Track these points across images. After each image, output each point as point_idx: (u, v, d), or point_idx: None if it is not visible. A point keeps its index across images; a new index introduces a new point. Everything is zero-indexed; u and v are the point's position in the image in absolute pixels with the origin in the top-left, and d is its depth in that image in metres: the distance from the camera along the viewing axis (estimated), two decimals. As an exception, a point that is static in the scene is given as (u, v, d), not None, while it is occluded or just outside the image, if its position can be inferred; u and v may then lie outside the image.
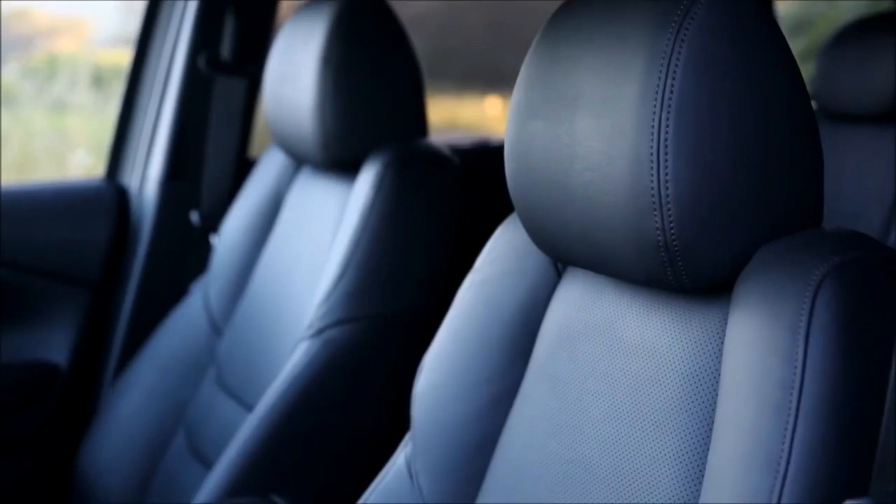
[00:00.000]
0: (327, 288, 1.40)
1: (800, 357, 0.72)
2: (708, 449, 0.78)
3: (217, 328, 1.64)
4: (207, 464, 1.48)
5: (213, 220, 1.83)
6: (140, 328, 1.79)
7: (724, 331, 0.80)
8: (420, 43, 1.54)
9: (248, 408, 1.46)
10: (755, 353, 0.74)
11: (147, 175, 1.86)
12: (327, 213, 1.50)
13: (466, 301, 1.05)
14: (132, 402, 1.67)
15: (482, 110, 2.71)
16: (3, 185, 1.80)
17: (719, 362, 0.80)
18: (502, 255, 1.03)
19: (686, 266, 0.78)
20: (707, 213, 0.77)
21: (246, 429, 1.39)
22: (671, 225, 0.77)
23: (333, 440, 1.41)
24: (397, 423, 1.17)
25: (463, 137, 2.04)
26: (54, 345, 1.79)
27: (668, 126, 0.76)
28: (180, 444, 1.59)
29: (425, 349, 1.09)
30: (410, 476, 1.04)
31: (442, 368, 1.04)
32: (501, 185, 0.99)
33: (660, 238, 0.78)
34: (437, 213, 1.44)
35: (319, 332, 1.38)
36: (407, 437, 1.08)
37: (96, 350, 1.83)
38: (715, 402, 0.79)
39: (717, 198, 0.77)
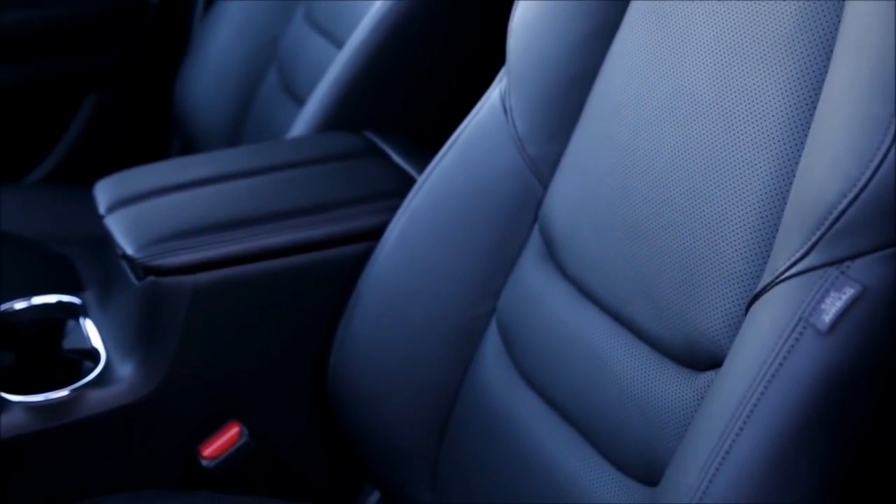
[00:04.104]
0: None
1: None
2: (824, 78, 0.74)
3: (306, -37, 1.60)
4: (299, 100, 1.49)
5: None
6: (228, -38, 1.75)
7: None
8: None
9: (339, 45, 1.45)
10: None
11: None
12: None
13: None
14: (223, 37, 1.66)
15: None
16: None
17: (846, -15, 0.74)
18: None
19: None
20: None
21: (337, 65, 1.38)
22: None
23: (426, 76, 1.40)
24: (491, 60, 1.15)
25: None
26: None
27: None
28: (272, 81, 1.59)
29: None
30: (505, 111, 1.03)
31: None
32: None
33: None
34: None
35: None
36: (502, 71, 1.05)
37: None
38: (836, 29, 0.74)
39: None
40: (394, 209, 1.09)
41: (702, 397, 0.78)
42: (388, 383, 1.06)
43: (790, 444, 0.69)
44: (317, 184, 1.19)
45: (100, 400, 1.06)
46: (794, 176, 0.75)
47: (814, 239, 0.70)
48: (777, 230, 0.75)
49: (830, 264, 0.69)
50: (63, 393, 1.04)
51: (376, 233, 1.10)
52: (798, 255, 0.71)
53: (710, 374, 0.79)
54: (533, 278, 0.99)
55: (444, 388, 1.04)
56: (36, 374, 1.08)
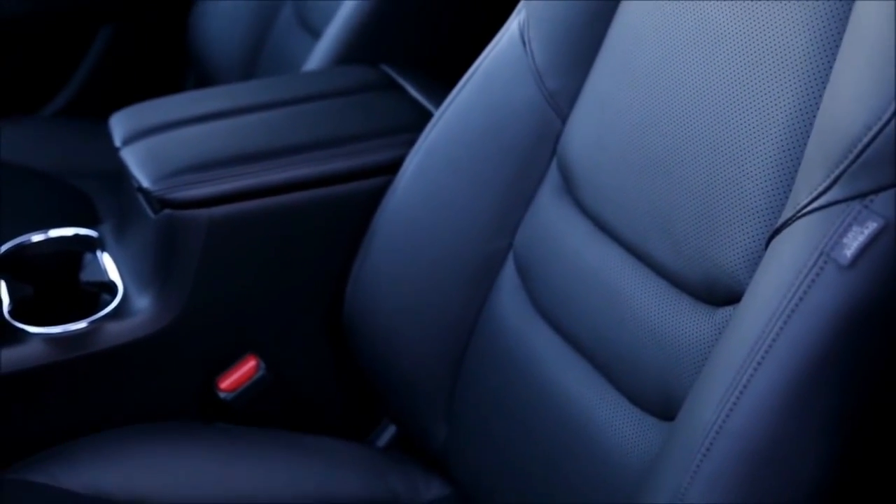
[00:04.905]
0: None
1: None
2: (850, 10, 0.73)
3: None
4: (315, 33, 1.47)
5: None
6: None
7: None
8: None
9: (356, -23, 1.43)
10: None
11: None
12: None
13: None
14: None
15: None
16: None
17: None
18: None
19: None
20: None
21: (353, -3, 1.36)
22: None
23: (443, 8, 1.38)
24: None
25: None
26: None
27: None
28: (288, 14, 1.57)
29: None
30: (523, 43, 1.01)
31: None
32: None
33: None
34: None
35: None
36: (521, 3, 1.04)
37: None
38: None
39: None
40: (410, 143, 1.08)
41: (719, 332, 0.78)
42: (404, 318, 1.06)
43: (808, 379, 0.69)
44: (333, 117, 1.19)
45: (117, 332, 1.06)
46: (817, 110, 0.74)
47: (837, 173, 0.69)
48: (799, 164, 0.74)
49: (853, 198, 0.68)
50: (81, 325, 1.05)
51: (393, 167, 1.10)
52: (821, 189, 0.70)
53: (728, 309, 0.78)
54: (550, 213, 0.98)
55: (460, 322, 1.04)
56: (54, 307, 1.08)
